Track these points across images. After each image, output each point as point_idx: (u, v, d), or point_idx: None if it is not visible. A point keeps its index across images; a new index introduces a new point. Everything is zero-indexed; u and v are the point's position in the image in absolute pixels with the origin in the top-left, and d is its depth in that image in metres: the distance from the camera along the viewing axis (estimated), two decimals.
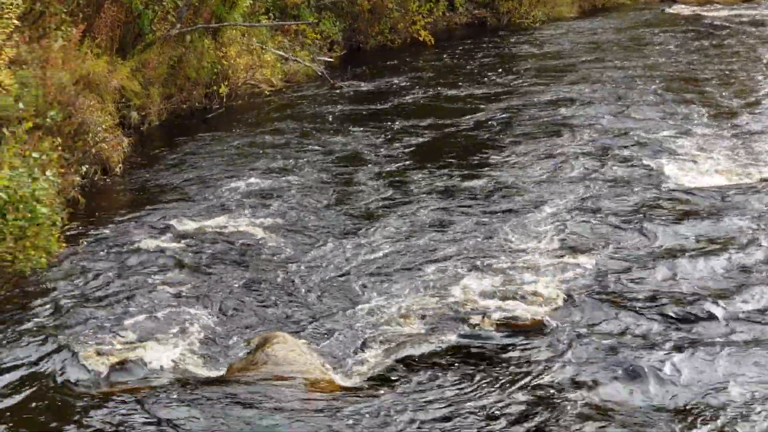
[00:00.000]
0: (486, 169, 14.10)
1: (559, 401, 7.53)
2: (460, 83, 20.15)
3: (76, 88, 13.44)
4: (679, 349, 8.32)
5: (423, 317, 9.18)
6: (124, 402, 7.44)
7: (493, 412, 7.34)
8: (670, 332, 8.67)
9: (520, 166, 14.12)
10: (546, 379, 7.85)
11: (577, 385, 7.77)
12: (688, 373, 7.92)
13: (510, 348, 8.48)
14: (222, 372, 8.26)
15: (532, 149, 14.95)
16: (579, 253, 10.59)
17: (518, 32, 27.10)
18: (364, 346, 8.69)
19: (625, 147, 14.57)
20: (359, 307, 9.52)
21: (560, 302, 9.31)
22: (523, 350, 8.48)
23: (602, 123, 16.23)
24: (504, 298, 9.43)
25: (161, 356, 8.43)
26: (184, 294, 9.74)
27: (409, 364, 8.26)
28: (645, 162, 13.65)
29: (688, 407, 7.48)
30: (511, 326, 8.88)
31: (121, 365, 8.15)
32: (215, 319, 9.29)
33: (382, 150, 15.16)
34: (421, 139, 15.81)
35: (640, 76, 20.09)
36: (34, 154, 10.19)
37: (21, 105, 11.25)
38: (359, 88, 19.97)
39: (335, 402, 7.57)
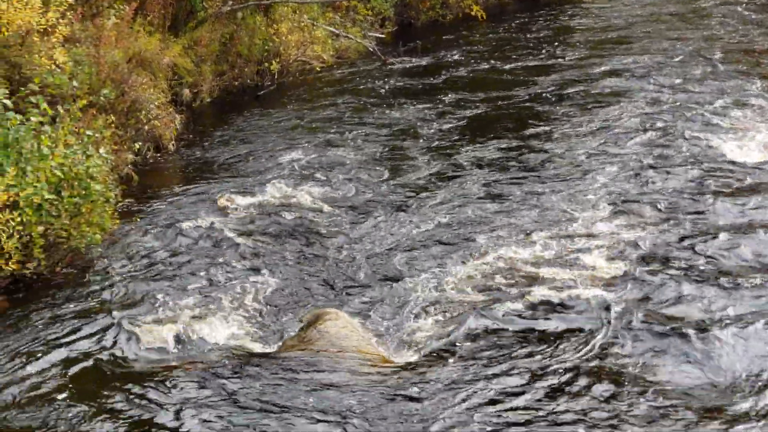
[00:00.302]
0: (539, 140, 13.97)
1: (618, 377, 7.44)
2: (512, 57, 19.92)
3: (129, 66, 13.50)
4: (741, 322, 8.18)
5: (476, 291, 9.10)
6: (180, 377, 7.47)
7: (550, 389, 7.27)
8: (731, 305, 8.52)
9: (574, 137, 13.95)
10: (605, 354, 7.75)
11: (637, 360, 7.68)
12: (752, 347, 7.79)
13: (566, 322, 8.39)
14: (275, 348, 8.27)
15: (586, 121, 14.76)
16: (634, 224, 10.45)
17: (571, 5, 26.68)
18: (416, 321, 8.61)
19: (681, 119, 14.32)
20: (411, 281, 9.44)
21: (616, 274, 9.18)
22: (579, 324, 8.36)
23: (658, 95, 15.97)
24: (559, 271, 9.32)
25: (216, 331, 8.41)
26: (237, 269, 9.72)
27: (463, 339, 8.19)
28: (701, 135, 13.41)
29: (753, 382, 7.37)
30: (568, 299, 8.76)
31: (177, 340, 8.18)
32: (269, 294, 9.28)
33: (434, 124, 15.04)
34: (473, 113, 15.67)
35: (697, 48, 19.67)
36: (88, 132, 10.30)
37: (75, 83, 11.34)
38: (411, 63, 19.81)
39: (388, 378, 7.53)
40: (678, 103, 15.30)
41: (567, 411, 6.98)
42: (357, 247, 10.38)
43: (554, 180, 12.15)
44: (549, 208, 11.08)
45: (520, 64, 19.27)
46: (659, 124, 14.19)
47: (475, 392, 7.18)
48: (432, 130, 14.73)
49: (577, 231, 10.33)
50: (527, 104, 16.19)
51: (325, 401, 7.08)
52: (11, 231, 8.83)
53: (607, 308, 8.48)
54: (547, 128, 14.58)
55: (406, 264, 9.85)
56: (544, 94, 16.64)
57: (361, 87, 17.90)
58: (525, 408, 7.03)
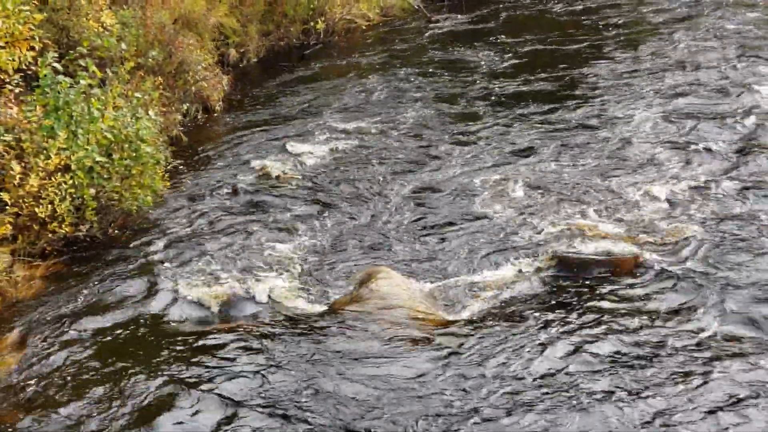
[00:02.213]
0: (593, 99, 13.58)
1: (682, 346, 7.18)
2: (563, 15, 19.42)
3: (176, 27, 13.48)
4: None
5: (530, 253, 8.90)
6: (232, 337, 7.39)
7: (608, 357, 7.04)
8: None
9: (630, 95, 13.54)
10: (667, 321, 7.48)
11: (701, 326, 7.42)
12: None
13: (627, 288, 8.11)
14: (327, 307, 8.16)
15: (645, 79, 14.30)
16: (695, 189, 10.14)
17: None
18: (469, 279, 8.47)
19: (743, 87, 13.64)
20: (464, 239, 9.29)
21: (677, 240, 8.83)
22: (639, 290, 8.09)
23: (720, 63, 15.20)
24: (619, 234, 9.02)
25: (267, 291, 8.34)
26: (287, 228, 9.63)
27: (517, 300, 8.02)
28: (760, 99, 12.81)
29: None
30: (628, 263, 8.46)
31: (228, 301, 8.11)
32: (320, 252, 9.17)
33: (481, 82, 14.77)
34: (521, 70, 15.33)
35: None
36: (137, 94, 10.20)
37: (123, 45, 11.24)
38: (456, 20, 19.44)
39: (439, 336, 7.43)
40: (740, 70, 14.58)
41: (653, 371, 6.77)
42: (407, 204, 10.21)
43: (609, 139, 11.80)
44: (606, 170, 10.76)
45: (571, 21, 18.76)
46: (719, 91, 13.52)
47: (523, 355, 7.04)
48: (478, 88, 14.46)
49: (639, 194, 10.04)
50: (580, 67, 15.71)
51: (376, 358, 7.01)
52: (63, 194, 8.82)
53: (662, 273, 8.24)
54: (601, 85, 14.15)
55: (458, 222, 9.68)
56: (600, 56, 16.12)
57: (407, 45, 17.64)
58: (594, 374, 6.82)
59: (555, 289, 8.13)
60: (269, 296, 8.27)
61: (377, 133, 12.53)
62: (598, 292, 7.96)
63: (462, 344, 7.27)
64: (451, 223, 9.66)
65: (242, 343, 7.35)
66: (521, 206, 9.88)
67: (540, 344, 7.24)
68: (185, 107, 13.13)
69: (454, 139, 11.90)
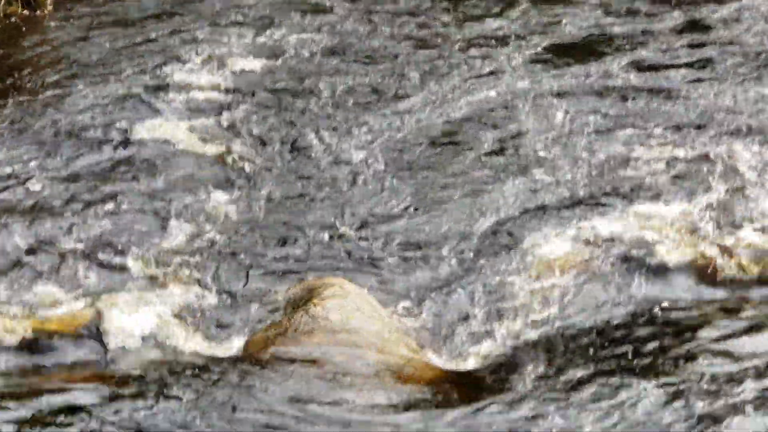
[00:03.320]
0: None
1: None
2: None
3: None
4: None
5: (577, 263, 6.35)
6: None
7: None
8: None
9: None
10: None
11: None
12: None
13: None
14: (235, 350, 5.73)
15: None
16: None
17: None
18: (479, 307, 6.06)
19: None
20: (463, 225, 6.71)
21: None
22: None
23: None
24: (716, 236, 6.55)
25: (128, 320, 5.76)
26: (167, 212, 6.87)
27: (557, 340, 5.70)
28: None
29: None
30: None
31: (43, 337, 5.73)
32: (223, 249, 6.53)
33: None
34: None
35: None
36: None
37: None
38: None
39: (440, 399, 5.21)
40: None
41: None
42: (370, 170, 7.44)
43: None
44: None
45: None
46: None
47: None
48: None
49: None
50: None
51: None
52: None
53: None
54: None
55: (454, 205, 7.03)
56: None
57: None
58: None
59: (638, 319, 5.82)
60: (133, 331, 5.75)
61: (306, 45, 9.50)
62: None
63: (478, 414, 4.99)
64: (440, 201, 7.05)
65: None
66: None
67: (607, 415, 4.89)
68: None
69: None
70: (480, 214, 6.81)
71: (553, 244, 6.50)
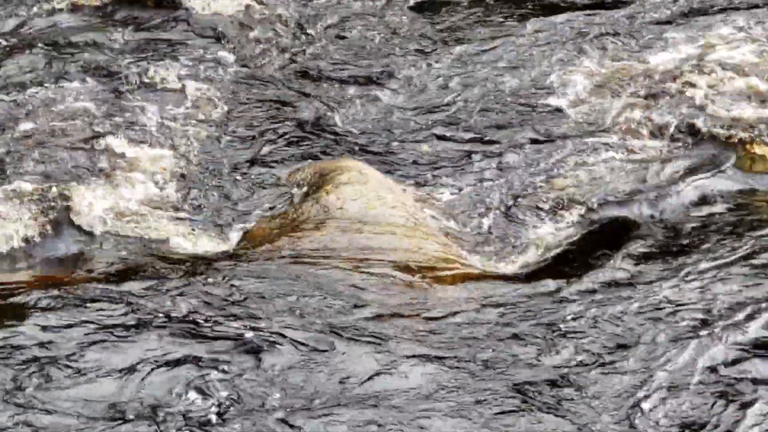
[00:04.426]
0: None
1: None
2: None
3: None
4: None
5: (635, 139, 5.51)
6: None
7: None
8: None
9: None
10: None
11: None
12: None
13: None
14: (234, 243, 4.80)
15: None
16: None
17: None
18: (519, 207, 5.12)
19: None
20: (504, 109, 5.71)
21: None
22: None
23: None
24: None
25: (105, 208, 4.88)
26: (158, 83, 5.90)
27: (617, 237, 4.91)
28: None
29: None
30: None
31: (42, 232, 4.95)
32: (221, 126, 5.57)
33: None
34: None
35: None
36: None
37: None
38: None
39: (476, 302, 4.25)
40: None
41: None
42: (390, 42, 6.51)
43: None
44: None
45: None
46: None
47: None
48: None
49: None
50: None
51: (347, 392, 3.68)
52: None
53: None
54: None
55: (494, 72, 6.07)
56: None
57: None
58: None
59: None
60: (108, 219, 4.91)
61: None
62: None
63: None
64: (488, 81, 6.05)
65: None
66: None
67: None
68: None
69: None
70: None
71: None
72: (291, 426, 3.59)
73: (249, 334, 3.91)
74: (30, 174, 5.16)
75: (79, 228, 4.89)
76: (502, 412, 3.65)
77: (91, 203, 4.89)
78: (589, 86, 6.09)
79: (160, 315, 4.13)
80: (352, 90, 6.10)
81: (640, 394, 3.78)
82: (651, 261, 4.89)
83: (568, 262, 4.83)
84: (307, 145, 5.49)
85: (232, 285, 4.32)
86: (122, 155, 5.36)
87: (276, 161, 5.37)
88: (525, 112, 5.94)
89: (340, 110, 5.90)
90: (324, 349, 3.96)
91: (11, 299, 4.46)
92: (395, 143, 5.55)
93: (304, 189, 5.01)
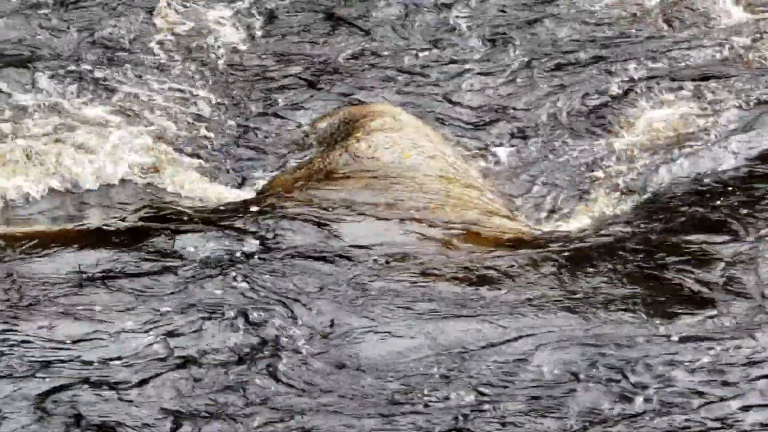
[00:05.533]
0: None
1: None
2: None
3: None
4: None
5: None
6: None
7: None
8: None
9: None
10: None
11: None
12: None
13: None
14: (249, 194, 4.60)
15: None
16: None
17: None
18: (569, 169, 4.90)
19: None
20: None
21: None
22: None
23: None
24: None
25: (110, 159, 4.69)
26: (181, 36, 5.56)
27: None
28: None
29: None
30: None
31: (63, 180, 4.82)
32: (237, 75, 5.19)
33: None
34: None
35: None
36: None
37: None
38: None
39: (524, 265, 3.86)
40: None
41: None
42: None
43: None
44: None
45: None
46: None
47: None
48: None
49: None
50: None
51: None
52: None
53: None
54: None
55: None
56: None
57: None
58: None
59: None
60: (130, 169, 4.78)
61: None
62: None
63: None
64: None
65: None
66: None
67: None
68: None
69: None
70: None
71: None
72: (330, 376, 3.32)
73: (277, 286, 3.62)
74: (49, 125, 4.87)
75: (100, 178, 4.67)
76: (551, 375, 3.35)
77: (114, 152, 4.65)
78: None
79: (181, 262, 3.85)
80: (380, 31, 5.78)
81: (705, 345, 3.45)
82: (706, 231, 4.37)
83: (616, 230, 4.37)
84: (336, 90, 5.10)
85: (258, 236, 3.98)
86: (146, 103, 5.14)
87: (302, 107, 4.99)
88: (584, 69, 5.59)
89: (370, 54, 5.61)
90: (352, 310, 3.68)
91: (35, 250, 4.16)
92: (436, 90, 5.11)
93: (332, 136, 4.62)
